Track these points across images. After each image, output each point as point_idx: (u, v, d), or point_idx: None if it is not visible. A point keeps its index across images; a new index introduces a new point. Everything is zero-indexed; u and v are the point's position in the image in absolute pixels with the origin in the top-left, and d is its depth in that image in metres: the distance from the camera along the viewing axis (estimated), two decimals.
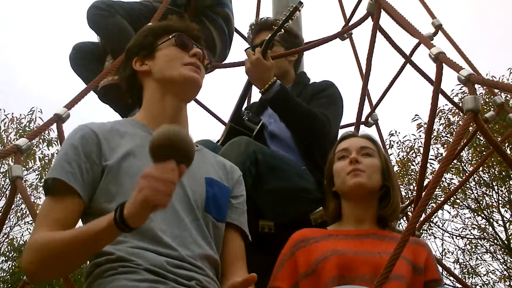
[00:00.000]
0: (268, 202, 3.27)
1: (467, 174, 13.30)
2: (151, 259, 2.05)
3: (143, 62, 2.46)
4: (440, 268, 3.44)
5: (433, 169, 13.56)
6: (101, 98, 4.12)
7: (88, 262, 2.17)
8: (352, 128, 4.17)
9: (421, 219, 4.64)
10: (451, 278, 12.43)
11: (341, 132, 3.78)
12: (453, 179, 14.70)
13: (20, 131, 15.17)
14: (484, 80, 2.66)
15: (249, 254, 2.50)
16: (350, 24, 4.99)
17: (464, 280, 14.69)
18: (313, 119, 3.48)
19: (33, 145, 13.03)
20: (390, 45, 3.71)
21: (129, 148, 2.23)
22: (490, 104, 12.04)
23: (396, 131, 15.22)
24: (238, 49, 4.94)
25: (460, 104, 7.90)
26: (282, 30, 3.65)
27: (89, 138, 2.22)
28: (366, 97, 4.47)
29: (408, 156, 15.06)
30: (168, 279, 2.04)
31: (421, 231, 15.27)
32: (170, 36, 2.45)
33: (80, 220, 2.19)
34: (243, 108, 3.87)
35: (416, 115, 14.20)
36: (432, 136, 14.00)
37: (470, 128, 3.47)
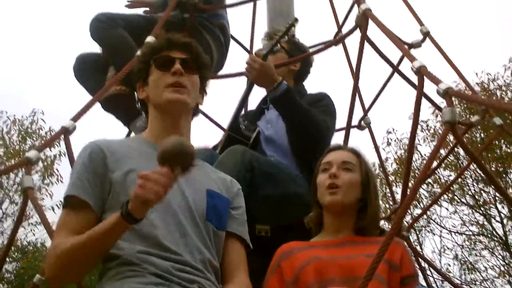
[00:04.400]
0: (264, 208, 3.43)
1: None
2: (157, 264, 2.25)
3: (143, 89, 2.67)
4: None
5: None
6: (104, 108, 4.28)
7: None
8: (343, 132, 4.29)
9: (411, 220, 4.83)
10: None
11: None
12: (450, 176, 14.85)
13: (23, 132, 15.36)
14: (462, 93, 2.84)
15: (247, 257, 2.64)
16: (341, 32, 5.16)
17: (464, 276, 14.96)
18: (315, 121, 3.69)
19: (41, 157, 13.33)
20: (378, 55, 3.85)
21: (135, 163, 2.43)
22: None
23: (393, 129, 15.39)
24: (234, 57, 5.14)
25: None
26: (279, 45, 3.90)
27: (96, 154, 2.44)
28: (357, 102, 4.63)
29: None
30: (173, 282, 2.24)
31: (421, 227, 15.49)
32: (151, 61, 2.63)
33: None
34: (240, 117, 4.04)
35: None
36: (429, 133, 14.21)
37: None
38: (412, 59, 3.12)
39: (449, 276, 12.35)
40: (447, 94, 2.77)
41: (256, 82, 3.88)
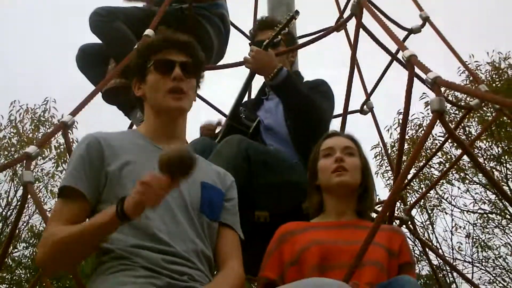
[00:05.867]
0: (262, 195, 3.51)
1: (477, 149, 13.67)
2: (147, 257, 2.33)
3: (139, 86, 2.72)
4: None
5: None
6: (104, 99, 4.34)
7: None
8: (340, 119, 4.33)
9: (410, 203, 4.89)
10: None
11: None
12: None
13: (35, 121, 15.52)
14: (450, 83, 2.84)
15: (248, 242, 2.75)
16: (343, 18, 5.18)
17: (476, 254, 15.03)
18: (315, 105, 3.75)
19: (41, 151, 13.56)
20: (375, 43, 3.87)
21: (130, 156, 2.51)
22: None
23: None
24: (236, 45, 5.18)
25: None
26: (279, 36, 3.93)
27: (93, 146, 2.52)
28: (359, 88, 4.66)
29: (417, 134, 15.15)
30: (162, 274, 2.31)
31: (433, 206, 15.53)
32: (150, 62, 2.67)
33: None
34: (240, 107, 4.10)
35: (423, 93, 14.22)
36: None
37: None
38: (403, 48, 3.16)
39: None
40: (435, 83, 2.82)
41: (256, 71, 3.94)
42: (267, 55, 3.83)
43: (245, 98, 4.39)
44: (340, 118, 4.36)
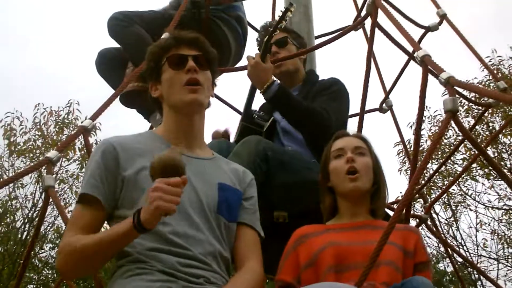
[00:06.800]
0: (280, 195, 3.53)
1: (500, 143, 13.57)
2: (164, 261, 2.36)
3: (156, 87, 2.75)
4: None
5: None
6: (123, 103, 4.40)
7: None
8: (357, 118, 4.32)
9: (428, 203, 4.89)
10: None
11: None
12: (487, 150, 14.65)
13: (59, 123, 15.65)
14: (463, 83, 2.85)
15: (267, 242, 2.77)
16: (360, 16, 5.17)
17: (502, 250, 14.88)
18: (311, 114, 3.73)
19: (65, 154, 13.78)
20: (391, 43, 3.87)
21: (146, 161, 2.48)
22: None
23: (427, 106, 15.22)
24: (254, 47, 5.20)
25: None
26: (278, 30, 3.91)
27: (109, 153, 2.55)
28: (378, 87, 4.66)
29: None
30: (179, 278, 2.33)
31: (457, 203, 15.40)
32: (163, 61, 2.70)
33: (107, 223, 2.54)
34: (252, 107, 4.11)
35: (445, 90, 14.09)
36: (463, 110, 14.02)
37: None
38: (417, 47, 3.16)
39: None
40: (448, 83, 2.81)
41: (251, 81, 3.95)
42: (264, 70, 3.79)
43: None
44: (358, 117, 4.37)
